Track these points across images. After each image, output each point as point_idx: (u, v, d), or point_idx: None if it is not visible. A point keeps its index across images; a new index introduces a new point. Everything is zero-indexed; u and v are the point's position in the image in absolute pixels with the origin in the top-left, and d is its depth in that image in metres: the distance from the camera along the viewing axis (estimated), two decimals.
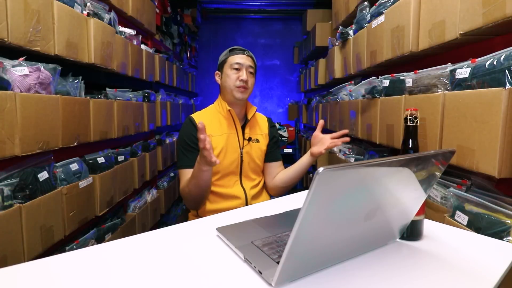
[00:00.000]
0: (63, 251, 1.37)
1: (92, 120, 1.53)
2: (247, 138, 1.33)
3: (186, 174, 1.22)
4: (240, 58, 1.29)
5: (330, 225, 0.57)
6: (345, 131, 1.26)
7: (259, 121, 1.41)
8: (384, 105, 1.56)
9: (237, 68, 1.28)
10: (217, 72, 1.36)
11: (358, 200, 0.58)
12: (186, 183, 1.19)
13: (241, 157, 1.30)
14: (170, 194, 3.03)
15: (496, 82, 0.87)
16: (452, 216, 1.00)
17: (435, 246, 0.76)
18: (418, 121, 0.77)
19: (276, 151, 1.42)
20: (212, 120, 1.30)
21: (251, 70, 1.31)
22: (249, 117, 1.36)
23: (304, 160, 1.30)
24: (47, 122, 1.20)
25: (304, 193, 1.20)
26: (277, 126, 4.40)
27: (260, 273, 0.61)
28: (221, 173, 1.27)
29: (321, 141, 1.25)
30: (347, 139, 1.22)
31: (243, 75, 1.27)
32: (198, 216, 1.27)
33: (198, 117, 1.31)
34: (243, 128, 1.35)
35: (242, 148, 1.31)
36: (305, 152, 3.97)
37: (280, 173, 1.38)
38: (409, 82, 1.33)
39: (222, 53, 1.36)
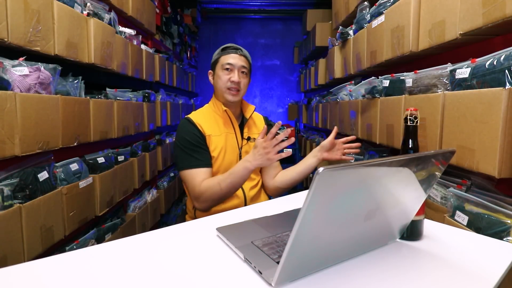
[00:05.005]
0: (63, 251, 1.37)
1: (92, 120, 1.53)
2: (246, 138, 1.33)
3: (198, 174, 1.19)
4: (232, 58, 1.25)
5: (330, 225, 0.57)
6: (353, 137, 1.28)
7: (256, 121, 1.40)
8: (384, 105, 1.56)
9: (228, 68, 1.25)
10: (210, 71, 1.34)
11: (358, 200, 0.58)
12: (208, 183, 1.16)
13: (240, 157, 1.29)
14: (170, 194, 3.02)
15: (496, 82, 0.87)
16: (452, 216, 1.00)
17: (435, 246, 0.76)
18: (418, 121, 0.77)
19: None
20: (209, 120, 1.29)
21: (244, 70, 1.27)
22: (247, 116, 1.35)
23: (309, 162, 1.26)
24: (47, 122, 1.20)
25: (304, 193, 1.20)
26: None
27: (260, 273, 0.61)
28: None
29: (337, 147, 1.26)
30: (358, 146, 1.25)
31: (235, 76, 1.24)
32: (195, 217, 1.26)
33: (194, 117, 1.28)
34: (241, 127, 1.34)
35: (241, 148, 1.31)
36: (305, 152, 3.98)
37: (281, 174, 1.34)
38: (409, 82, 1.33)
39: (215, 52, 1.33)
